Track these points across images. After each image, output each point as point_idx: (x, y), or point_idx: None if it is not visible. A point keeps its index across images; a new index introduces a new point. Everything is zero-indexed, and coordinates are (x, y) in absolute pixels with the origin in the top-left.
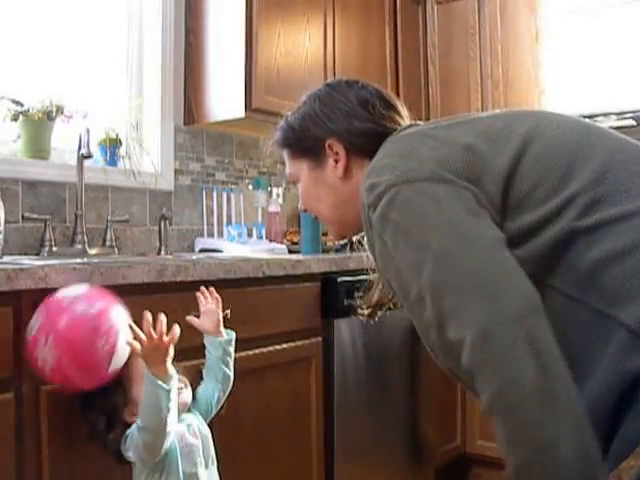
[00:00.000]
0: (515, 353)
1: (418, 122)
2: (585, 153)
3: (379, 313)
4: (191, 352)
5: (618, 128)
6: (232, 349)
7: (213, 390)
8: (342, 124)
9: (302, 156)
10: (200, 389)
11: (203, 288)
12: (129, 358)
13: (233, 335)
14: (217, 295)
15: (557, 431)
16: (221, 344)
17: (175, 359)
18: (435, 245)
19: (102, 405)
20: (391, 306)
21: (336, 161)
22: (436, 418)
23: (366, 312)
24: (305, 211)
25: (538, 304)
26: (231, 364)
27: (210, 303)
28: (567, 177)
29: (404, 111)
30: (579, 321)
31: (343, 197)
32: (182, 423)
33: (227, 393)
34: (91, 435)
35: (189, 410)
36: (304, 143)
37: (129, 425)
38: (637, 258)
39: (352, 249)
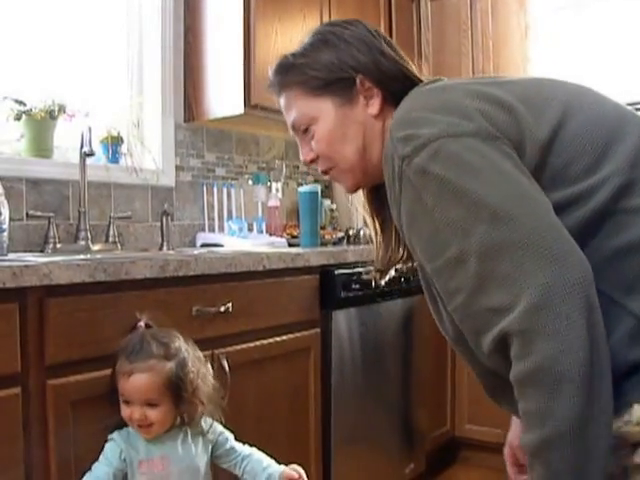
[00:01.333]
0: (575, 322)
1: (443, 78)
2: (620, 134)
3: (391, 273)
4: (195, 344)
5: None
6: None
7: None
8: (370, 58)
9: (325, 92)
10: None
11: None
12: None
13: None
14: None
15: (591, 412)
16: None
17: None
18: (492, 203)
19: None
20: (404, 269)
21: (367, 98)
22: (427, 405)
23: (377, 273)
24: (313, 161)
25: (592, 274)
26: None
27: None
28: (602, 157)
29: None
30: None
31: (373, 137)
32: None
33: None
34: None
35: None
36: (329, 75)
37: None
38: None
39: (349, 242)
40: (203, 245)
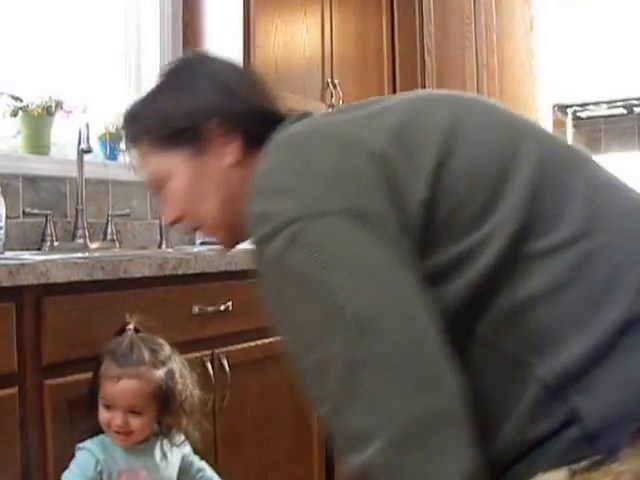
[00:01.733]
0: (445, 460)
1: (311, 113)
2: (513, 164)
3: None
4: (194, 344)
5: (609, 116)
6: None
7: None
8: (221, 100)
9: (174, 144)
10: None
11: None
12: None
13: None
14: None
15: None
16: None
17: (179, 352)
18: (357, 307)
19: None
20: None
21: (221, 146)
22: None
23: None
24: (176, 222)
25: (463, 404)
26: None
27: None
28: (493, 198)
29: (329, 91)
30: (498, 370)
31: (234, 190)
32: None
33: None
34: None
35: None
36: (175, 125)
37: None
38: (561, 301)
39: None
40: (202, 243)
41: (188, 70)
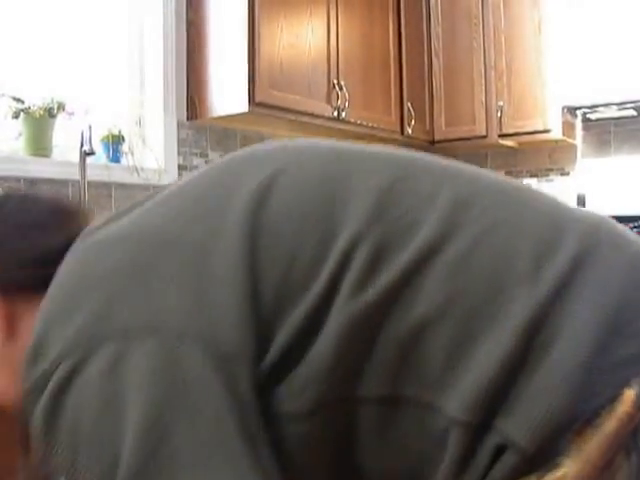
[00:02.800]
0: None
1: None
2: (342, 196)
3: None
4: None
5: (619, 118)
6: None
7: None
8: None
9: None
10: None
11: None
12: None
13: None
14: None
15: None
16: None
17: None
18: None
19: None
20: None
21: None
22: None
23: None
24: None
25: None
26: None
27: None
28: (327, 236)
29: (335, 92)
30: (405, 428)
31: (9, 366)
32: None
33: None
34: None
35: None
36: None
37: None
38: (452, 318)
39: None
40: None
41: None
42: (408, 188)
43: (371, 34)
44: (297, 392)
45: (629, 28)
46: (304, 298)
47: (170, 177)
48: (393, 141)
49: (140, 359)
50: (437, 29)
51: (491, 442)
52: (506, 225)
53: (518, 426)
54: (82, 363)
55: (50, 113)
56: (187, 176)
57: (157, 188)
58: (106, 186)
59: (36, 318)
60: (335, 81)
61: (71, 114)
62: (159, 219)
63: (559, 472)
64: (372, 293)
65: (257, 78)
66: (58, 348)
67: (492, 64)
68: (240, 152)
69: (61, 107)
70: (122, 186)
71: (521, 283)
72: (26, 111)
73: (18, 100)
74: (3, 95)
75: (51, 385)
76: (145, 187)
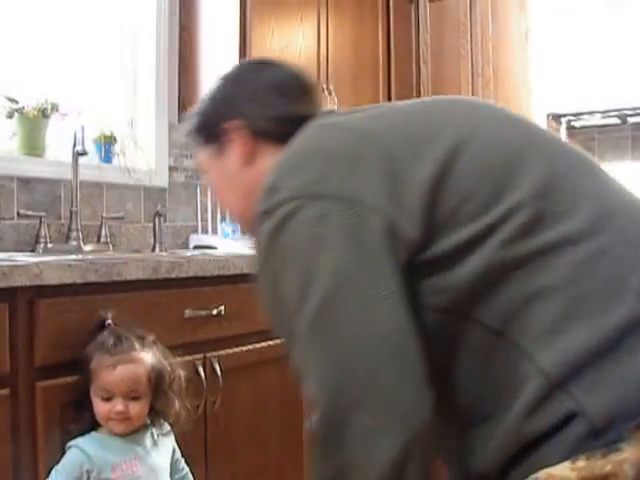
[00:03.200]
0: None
1: (336, 110)
2: (523, 163)
3: None
4: (186, 348)
5: (603, 126)
6: None
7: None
8: (248, 106)
9: (206, 143)
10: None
11: None
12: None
13: None
14: None
15: None
16: None
17: (173, 354)
18: (323, 288)
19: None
20: None
21: (237, 147)
22: None
23: None
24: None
25: (420, 431)
26: None
27: None
28: (502, 190)
29: (324, 97)
30: (499, 359)
31: (246, 187)
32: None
33: None
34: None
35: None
36: (206, 128)
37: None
38: (567, 297)
39: None
40: (196, 247)
41: (232, 77)
42: (573, 184)
43: (361, 40)
44: (438, 291)
45: (613, 37)
46: (469, 226)
47: (161, 178)
48: None
49: (341, 219)
50: (425, 36)
51: (563, 405)
52: (637, 242)
53: (595, 402)
54: (300, 208)
55: (44, 114)
56: (397, 104)
57: (148, 189)
58: (98, 186)
59: (271, 163)
60: (324, 86)
61: (64, 115)
62: (380, 126)
63: (621, 455)
64: (517, 250)
65: None
66: (286, 193)
67: (479, 71)
68: (447, 101)
69: (55, 108)
70: (113, 186)
71: (630, 293)
72: (20, 111)
73: (12, 100)
74: None
75: (276, 215)
76: (136, 188)
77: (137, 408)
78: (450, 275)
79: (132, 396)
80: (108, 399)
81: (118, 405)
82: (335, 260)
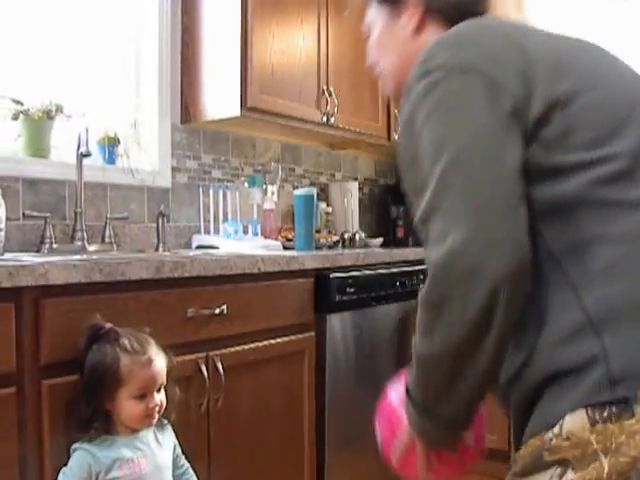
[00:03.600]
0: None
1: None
2: (634, 119)
3: None
4: (189, 346)
5: None
6: None
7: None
8: None
9: (382, 4)
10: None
11: None
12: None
13: None
14: None
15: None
16: None
17: (174, 354)
18: (458, 142)
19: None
20: None
21: (410, 16)
22: None
23: None
24: (372, 66)
25: (523, 270)
26: None
27: None
28: (613, 135)
29: (324, 98)
30: (548, 284)
31: (407, 54)
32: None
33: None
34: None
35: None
36: None
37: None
38: (630, 251)
39: (344, 246)
40: (198, 247)
41: None
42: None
43: (360, 42)
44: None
45: (610, 37)
46: (577, 153)
47: (164, 179)
48: (380, 146)
49: (483, 92)
50: None
51: (590, 348)
52: None
53: (620, 352)
54: (451, 75)
55: (48, 115)
56: (561, 38)
57: (151, 190)
58: (102, 187)
59: (433, 38)
60: (325, 87)
61: (69, 117)
62: (531, 45)
63: (636, 425)
64: (602, 193)
65: (249, 83)
66: (442, 60)
67: None
68: (596, 47)
69: (59, 110)
70: (117, 187)
71: None
72: (25, 113)
73: (18, 102)
74: (3, 97)
75: (431, 77)
76: (139, 188)
77: (163, 398)
78: (540, 190)
79: (159, 388)
80: (141, 397)
81: (153, 400)
82: (473, 124)
